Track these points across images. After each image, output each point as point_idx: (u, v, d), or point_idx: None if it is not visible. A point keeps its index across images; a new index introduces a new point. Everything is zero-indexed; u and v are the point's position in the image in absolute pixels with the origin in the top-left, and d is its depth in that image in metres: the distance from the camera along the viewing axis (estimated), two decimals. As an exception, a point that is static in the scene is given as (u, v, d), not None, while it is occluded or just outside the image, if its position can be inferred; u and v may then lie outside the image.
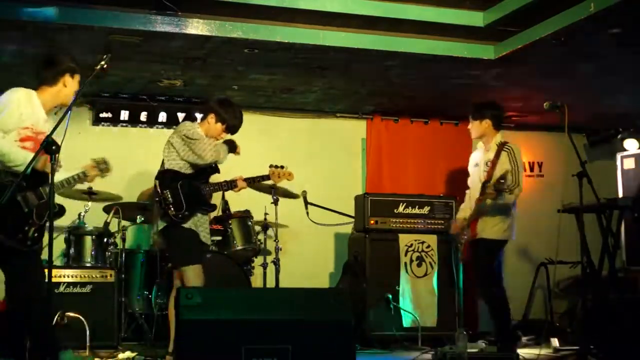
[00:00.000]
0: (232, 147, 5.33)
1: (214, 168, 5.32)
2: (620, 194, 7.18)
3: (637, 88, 6.87)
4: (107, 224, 6.25)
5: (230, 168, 5.52)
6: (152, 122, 7.27)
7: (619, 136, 8.01)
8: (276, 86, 6.97)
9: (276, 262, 6.61)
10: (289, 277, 6.81)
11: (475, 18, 5.69)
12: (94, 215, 6.38)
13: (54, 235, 3.90)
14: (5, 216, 4.00)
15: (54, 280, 4.90)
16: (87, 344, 5.38)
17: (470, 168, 5.96)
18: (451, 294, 6.47)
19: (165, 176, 5.10)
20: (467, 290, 6.21)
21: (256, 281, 6.78)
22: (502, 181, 5.36)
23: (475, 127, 5.87)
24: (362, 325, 6.32)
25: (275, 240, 6.65)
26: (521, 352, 5.57)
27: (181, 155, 5.10)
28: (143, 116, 7.25)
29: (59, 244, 6.30)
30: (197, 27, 5.44)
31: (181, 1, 5.22)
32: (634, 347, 5.24)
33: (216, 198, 5.88)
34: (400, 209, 6.67)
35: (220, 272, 5.80)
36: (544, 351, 5.90)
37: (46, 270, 3.96)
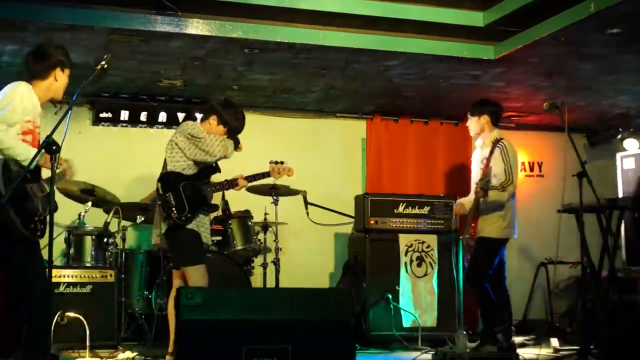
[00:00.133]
0: (235, 143, 5.31)
1: (215, 168, 5.31)
2: (620, 194, 7.17)
3: (637, 88, 6.88)
4: (107, 224, 6.25)
5: (231, 168, 5.52)
6: (152, 122, 7.27)
7: (619, 136, 8.02)
8: (276, 86, 6.97)
9: (276, 262, 6.61)
10: (289, 277, 6.82)
11: (475, 18, 5.69)
12: (94, 215, 6.39)
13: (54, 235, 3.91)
14: (21, 205, 4.03)
15: (54, 280, 4.90)
16: (87, 344, 5.38)
17: (472, 166, 6.00)
18: (451, 294, 6.47)
19: (168, 179, 5.08)
20: (467, 290, 6.22)
21: (256, 281, 6.78)
22: (487, 180, 5.41)
23: (473, 123, 5.90)
24: (362, 325, 6.32)
25: (275, 240, 6.65)
26: (521, 352, 5.57)
27: (187, 155, 5.06)
28: (143, 116, 7.25)
29: (59, 244, 6.30)
30: (197, 27, 5.44)
31: (181, 1, 5.22)
32: (634, 347, 5.24)
33: (216, 198, 5.88)
34: (400, 209, 6.67)
35: (220, 272, 5.78)
36: (544, 351, 5.90)
37: (46, 270, 3.96)
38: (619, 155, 7.52)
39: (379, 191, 7.31)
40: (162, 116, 7.27)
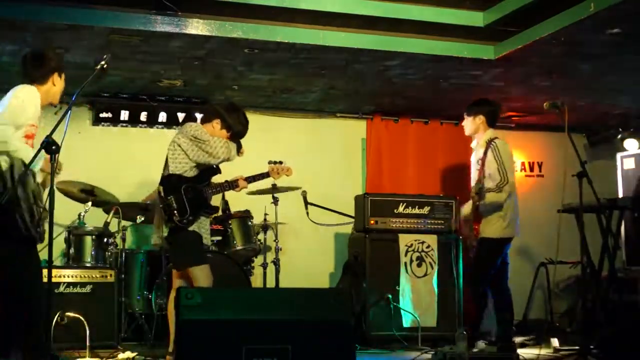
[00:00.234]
0: (237, 147, 5.31)
1: (215, 169, 5.31)
2: (620, 194, 7.17)
3: (637, 88, 6.88)
4: (107, 224, 6.24)
5: (231, 168, 5.52)
6: (152, 122, 7.27)
7: (619, 136, 8.02)
8: (276, 86, 6.97)
9: (276, 262, 6.62)
10: (289, 277, 6.82)
11: (475, 18, 5.69)
12: (94, 215, 6.39)
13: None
14: (31, 207, 4.04)
15: (54, 280, 4.89)
16: (87, 344, 5.38)
17: (471, 168, 6.00)
18: (451, 294, 6.48)
19: (169, 181, 5.08)
20: (467, 291, 6.22)
21: (256, 281, 6.78)
22: (480, 186, 5.44)
23: (468, 123, 5.91)
24: (362, 325, 6.32)
25: (275, 240, 6.65)
26: (521, 352, 5.57)
27: (190, 156, 5.05)
28: (143, 116, 7.24)
29: (59, 244, 6.30)
30: (197, 27, 5.44)
31: (181, 1, 5.22)
32: (633, 347, 5.23)
33: (216, 198, 5.88)
34: (400, 209, 6.67)
35: (220, 272, 5.77)
36: (544, 351, 5.90)
37: (46, 270, 3.96)
38: (619, 155, 7.52)
39: (379, 191, 7.31)
40: (162, 116, 7.27)
